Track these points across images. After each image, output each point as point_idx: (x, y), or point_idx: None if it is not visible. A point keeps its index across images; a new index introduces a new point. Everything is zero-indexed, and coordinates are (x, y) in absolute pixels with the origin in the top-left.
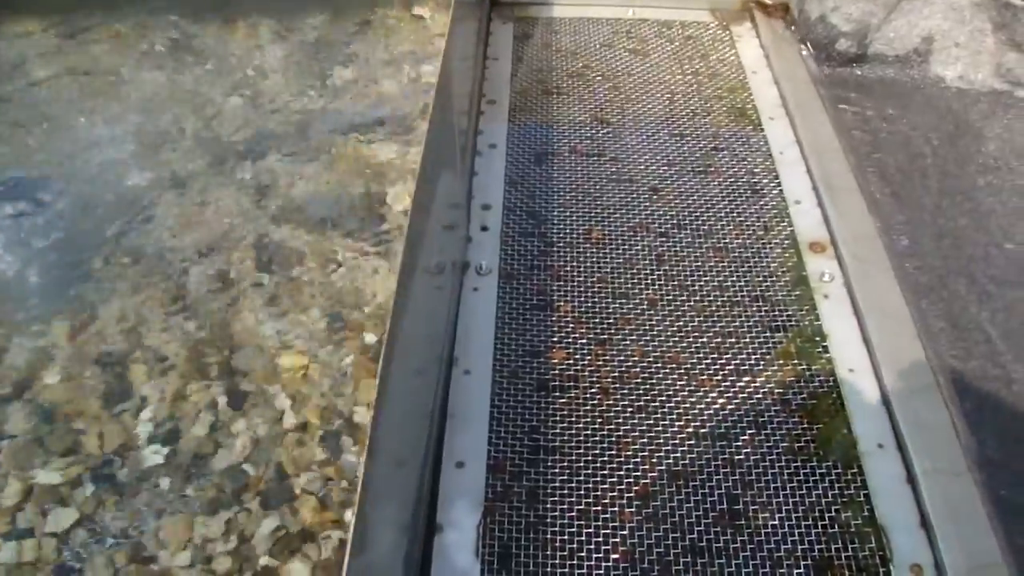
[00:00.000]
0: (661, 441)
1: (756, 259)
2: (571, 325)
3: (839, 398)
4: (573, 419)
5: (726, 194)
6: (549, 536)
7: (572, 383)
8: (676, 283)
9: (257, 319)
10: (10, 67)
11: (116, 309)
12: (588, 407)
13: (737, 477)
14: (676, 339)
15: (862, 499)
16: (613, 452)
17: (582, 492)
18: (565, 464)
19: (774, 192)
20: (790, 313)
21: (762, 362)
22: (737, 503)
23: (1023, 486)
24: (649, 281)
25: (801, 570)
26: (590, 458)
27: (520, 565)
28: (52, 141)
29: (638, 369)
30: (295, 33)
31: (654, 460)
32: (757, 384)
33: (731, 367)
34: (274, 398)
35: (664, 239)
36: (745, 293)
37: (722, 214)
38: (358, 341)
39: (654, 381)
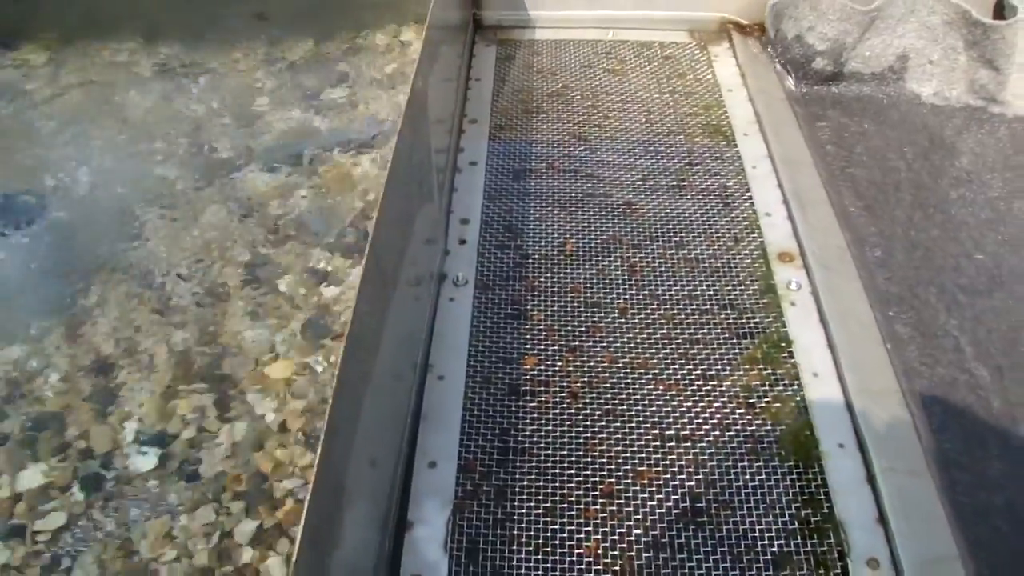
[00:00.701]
0: (627, 443)
1: (726, 269)
2: (543, 333)
3: (802, 401)
4: (542, 422)
5: (698, 207)
6: (516, 532)
7: (543, 388)
8: (647, 292)
9: (243, 328)
10: (13, 91)
11: (109, 318)
12: (557, 410)
13: (700, 477)
14: (645, 346)
15: (822, 497)
16: (580, 453)
17: (549, 491)
18: (533, 464)
19: (745, 205)
20: (757, 320)
21: (728, 367)
22: (700, 501)
23: (983, 488)
24: (621, 291)
25: (760, 564)
26: (557, 458)
27: (487, 559)
28: (50, 158)
29: (607, 374)
30: (286, 56)
31: (620, 460)
32: (723, 388)
33: (698, 372)
34: (257, 403)
35: (636, 251)
36: (714, 301)
37: (694, 226)
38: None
39: (622, 386)
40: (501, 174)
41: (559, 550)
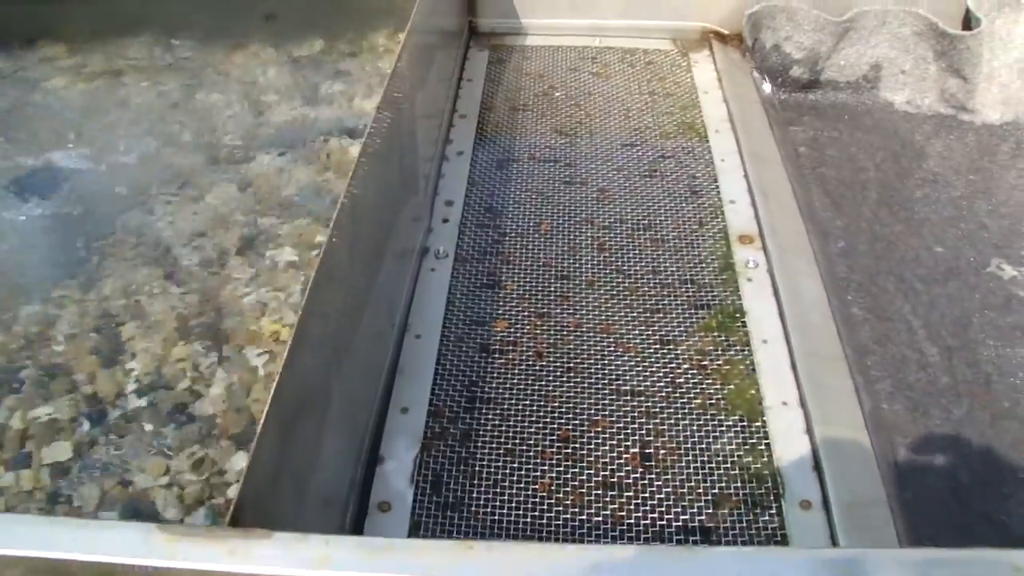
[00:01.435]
0: (585, 396)
1: (689, 249)
2: (515, 300)
3: (752, 364)
4: (508, 376)
5: (668, 195)
6: (477, 469)
7: (511, 347)
8: (614, 268)
9: (242, 291)
10: (34, 82)
11: (117, 282)
12: (523, 367)
13: (651, 427)
14: (609, 313)
15: (763, 447)
16: (541, 403)
17: (510, 435)
18: (497, 412)
19: (712, 193)
20: (715, 294)
21: (685, 334)
22: (649, 448)
23: (921, 451)
24: (590, 266)
25: (701, 504)
26: (520, 407)
27: (450, 491)
28: (70, 142)
29: (572, 337)
30: (292, 54)
31: (577, 411)
32: (678, 352)
33: (656, 337)
34: (250, 356)
35: (607, 231)
36: (676, 277)
37: (662, 211)
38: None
39: (585, 347)
40: (485, 163)
41: (516, 486)
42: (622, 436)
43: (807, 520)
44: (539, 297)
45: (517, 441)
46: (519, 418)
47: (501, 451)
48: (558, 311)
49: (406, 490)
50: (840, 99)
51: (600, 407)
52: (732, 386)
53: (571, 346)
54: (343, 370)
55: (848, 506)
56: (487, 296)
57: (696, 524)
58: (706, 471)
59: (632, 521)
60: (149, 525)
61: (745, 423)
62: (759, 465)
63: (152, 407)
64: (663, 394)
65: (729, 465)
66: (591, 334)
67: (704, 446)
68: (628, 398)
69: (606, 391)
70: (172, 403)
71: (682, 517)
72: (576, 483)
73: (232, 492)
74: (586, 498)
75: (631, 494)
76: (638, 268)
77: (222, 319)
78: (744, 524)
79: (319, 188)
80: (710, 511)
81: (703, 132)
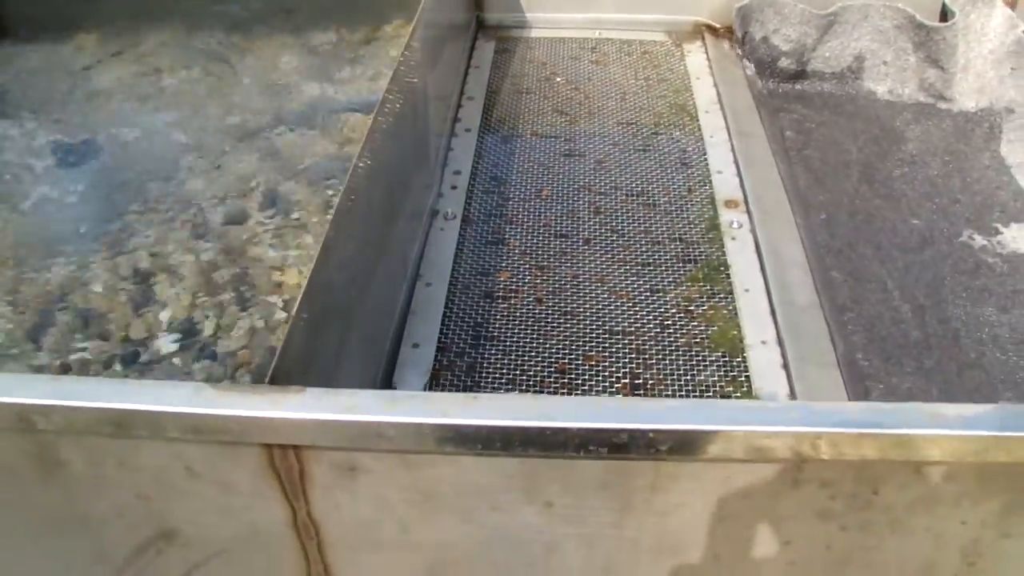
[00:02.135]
0: (581, 335)
1: (678, 212)
2: (517, 255)
3: (734, 309)
4: (511, 318)
5: (660, 166)
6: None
7: (513, 294)
8: (609, 227)
9: (264, 247)
10: (72, 70)
11: (147, 239)
12: (524, 310)
13: (640, 361)
14: (604, 266)
15: (743, 379)
16: (540, 340)
17: (512, 366)
18: (500, 348)
19: (701, 164)
20: (702, 250)
21: (673, 283)
22: (638, 379)
23: (890, 396)
24: (586, 226)
25: None
26: (521, 344)
27: None
28: (108, 118)
29: (569, 286)
30: (310, 43)
31: (573, 347)
32: (667, 299)
33: (647, 286)
34: (272, 304)
35: (603, 197)
36: (666, 236)
37: (654, 180)
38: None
39: (581, 294)
40: (491, 139)
41: None
42: (614, 369)
43: None
44: (540, 253)
45: (518, 372)
46: (520, 353)
47: (504, 380)
48: (557, 264)
49: None
50: (826, 89)
51: (594, 345)
52: (715, 328)
53: (568, 294)
54: (361, 307)
55: None
56: (492, 252)
57: None
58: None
59: None
60: (200, 383)
61: (727, 359)
62: (739, 395)
63: (183, 350)
64: (652, 334)
65: (711, 394)
66: (587, 284)
67: (689, 378)
68: (620, 337)
69: (600, 331)
70: (200, 346)
71: None
72: None
73: None
74: None
75: None
76: (631, 228)
77: (247, 272)
78: None
79: (338, 157)
80: None
81: (694, 112)
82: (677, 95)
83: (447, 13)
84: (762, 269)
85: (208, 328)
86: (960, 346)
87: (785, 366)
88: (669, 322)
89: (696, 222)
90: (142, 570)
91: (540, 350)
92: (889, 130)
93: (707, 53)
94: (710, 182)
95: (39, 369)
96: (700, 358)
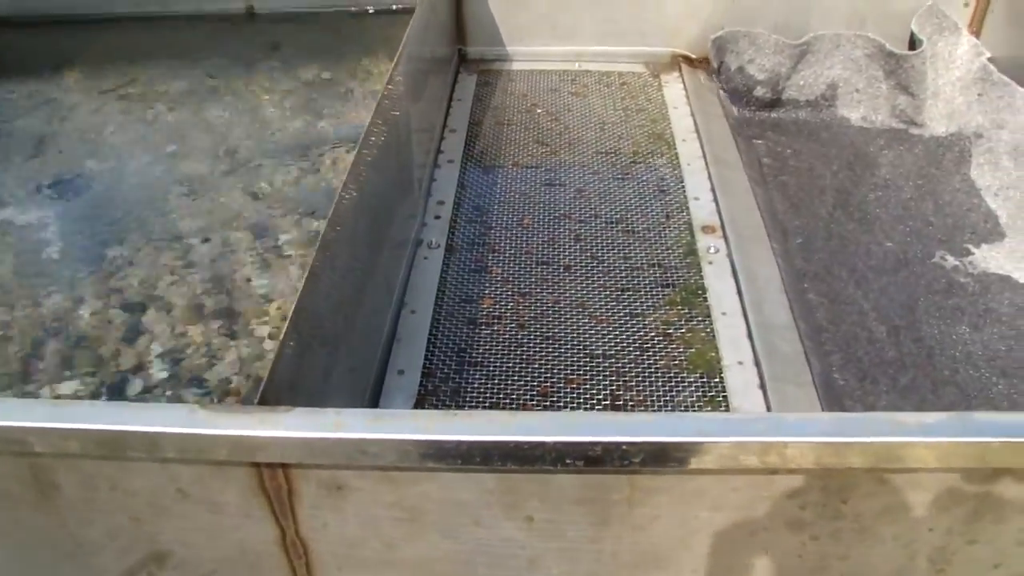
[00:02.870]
0: (563, 359)
1: (657, 238)
2: (500, 282)
3: (712, 332)
4: (493, 343)
5: (638, 193)
6: None
7: (496, 320)
8: (589, 254)
9: (251, 276)
10: (62, 104)
11: (137, 270)
12: (506, 336)
13: (620, 383)
14: (584, 291)
15: (721, 399)
16: (523, 365)
17: (495, 390)
18: (483, 373)
19: (678, 191)
20: (680, 275)
21: (652, 307)
22: (619, 400)
23: (865, 412)
24: (567, 253)
25: None
26: (504, 369)
27: None
28: (99, 153)
29: (550, 311)
30: (298, 78)
31: (555, 371)
32: (646, 322)
33: (627, 311)
34: (260, 334)
35: (582, 224)
36: (645, 261)
37: (632, 207)
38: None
39: (562, 319)
40: (473, 169)
41: None
42: (595, 391)
43: None
44: (521, 280)
45: (501, 396)
46: (503, 377)
47: (487, 404)
48: (538, 291)
49: None
50: (801, 116)
51: (576, 368)
52: (693, 350)
53: (550, 319)
54: (347, 335)
55: None
56: (475, 279)
57: None
58: None
59: None
60: (192, 405)
61: (705, 379)
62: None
63: (173, 378)
64: (631, 356)
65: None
66: (567, 309)
67: (668, 398)
68: (600, 360)
69: (581, 355)
70: (190, 373)
71: None
72: None
73: None
74: None
75: None
76: (610, 255)
77: (234, 302)
78: None
79: (324, 190)
80: None
81: (671, 141)
82: (655, 124)
83: (429, 47)
84: (739, 292)
85: (197, 353)
86: (934, 364)
87: (762, 386)
88: (648, 345)
89: (674, 248)
90: None
91: (523, 374)
92: (863, 155)
93: (684, 83)
94: (687, 208)
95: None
96: (679, 379)
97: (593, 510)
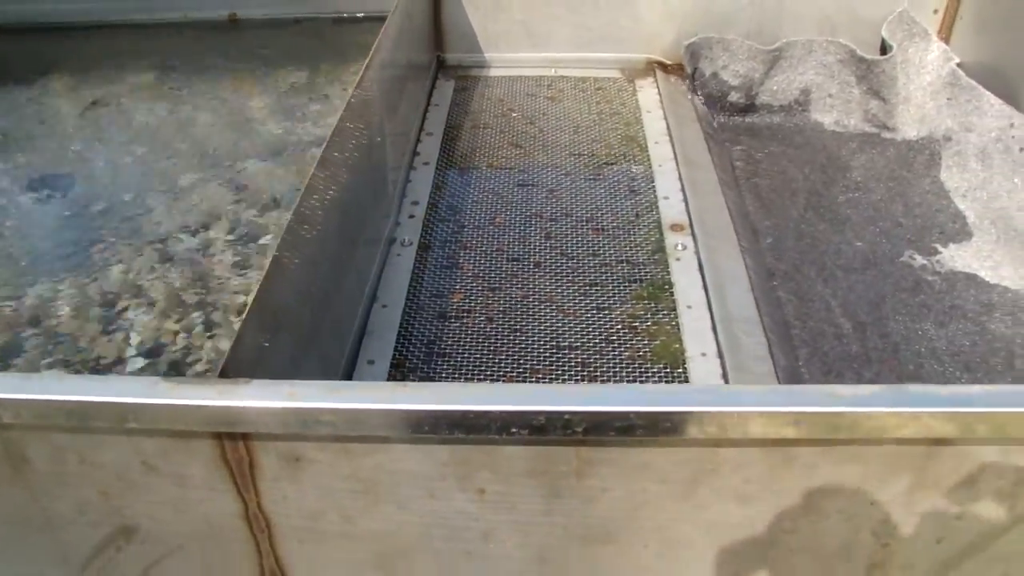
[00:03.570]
0: (529, 351)
1: (626, 235)
2: (470, 278)
3: (677, 325)
4: (463, 335)
5: (610, 193)
6: None
7: (465, 314)
8: (559, 251)
9: (230, 272)
10: (46, 108)
11: (117, 265)
12: (475, 329)
13: (586, 374)
14: (553, 286)
15: None
16: (490, 356)
17: (462, 380)
18: (452, 363)
19: (648, 191)
20: (648, 271)
21: (619, 302)
22: None
23: None
24: (537, 250)
25: None
26: (472, 360)
27: None
28: (78, 154)
29: (519, 306)
30: (280, 83)
31: (522, 362)
32: (613, 316)
33: (594, 305)
34: (237, 325)
35: (553, 223)
36: (613, 258)
37: (603, 206)
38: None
39: (530, 313)
40: (448, 170)
41: None
42: (560, 381)
43: None
44: (492, 275)
45: None
46: (470, 367)
47: None
48: (508, 286)
49: None
50: (775, 121)
51: (542, 359)
52: (658, 342)
53: (518, 313)
54: (315, 324)
55: None
56: (446, 275)
57: None
58: None
59: None
60: (155, 377)
61: (668, 370)
62: None
63: (151, 367)
64: (597, 348)
65: None
66: (536, 303)
67: None
68: (567, 351)
69: (548, 347)
70: (167, 363)
71: None
72: None
73: None
74: None
75: None
76: (580, 251)
77: (211, 295)
78: None
79: (301, 188)
80: None
81: (644, 143)
82: (628, 127)
83: (405, 53)
84: (704, 287)
85: (176, 345)
86: (899, 359)
87: (724, 376)
88: (614, 337)
89: (642, 245)
90: (102, 569)
91: (490, 364)
92: (835, 159)
93: (658, 88)
94: (657, 208)
95: None
96: (643, 370)
97: (543, 482)
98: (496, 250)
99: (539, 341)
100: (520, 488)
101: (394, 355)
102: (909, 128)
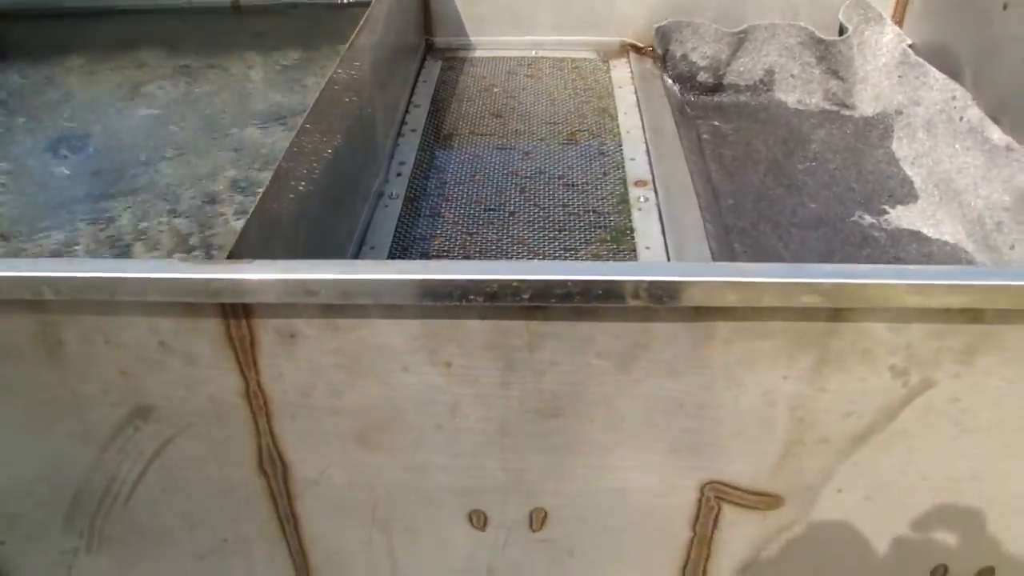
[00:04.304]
0: None
1: (593, 190)
2: (450, 224)
3: (635, 259)
4: None
5: (581, 155)
6: None
7: (445, 254)
8: (532, 203)
9: (233, 221)
10: (62, 84)
11: (128, 215)
12: None
13: None
14: (525, 232)
15: None
16: None
17: None
18: None
19: (616, 154)
20: (612, 219)
21: (584, 244)
22: None
23: None
24: (512, 201)
25: None
26: None
27: None
28: (93, 119)
29: (494, 246)
30: (278, 61)
31: None
32: (579, 255)
33: (562, 246)
34: None
35: (528, 180)
36: (581, 208)
37: (574, 166)
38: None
39: (504, 253)
40: (433, 137)
41: None
42: None
43: None
44: (470, 222)
45: None
46: None
47: None
48: (485, 231)
49: None
50: (741, 100)
51: None
52: None
53: (492, 254)
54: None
55: None
56: (429, 223)
57: None
58: None
59: None
60: (172, 259)
61: None
62: None
63: None
64: None
65: None
66: (509, 245)
67: None
68: None
69: None
70: None
71: None
72: None
73: None
74: None
75: None
76: (551, 203)
77: (216, 238)
78: None
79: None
80: None
81: (614, 113)
82: (600, 100)
83: (393, 35)
84: (663, 232)
85: None
86: None
87: None
88: None
89: (608, 198)
90: (122, 448)
91: None
92: (796, 133)
93: (631, 68)
94: (623, 167)
95: None
96: None
97: (499, 355)
98: (475, 202)
99: None
100: (481, 361)
101: None
102: (867, 106)
